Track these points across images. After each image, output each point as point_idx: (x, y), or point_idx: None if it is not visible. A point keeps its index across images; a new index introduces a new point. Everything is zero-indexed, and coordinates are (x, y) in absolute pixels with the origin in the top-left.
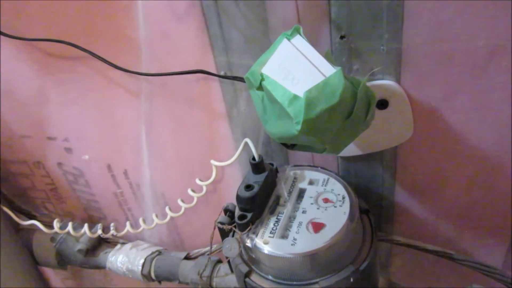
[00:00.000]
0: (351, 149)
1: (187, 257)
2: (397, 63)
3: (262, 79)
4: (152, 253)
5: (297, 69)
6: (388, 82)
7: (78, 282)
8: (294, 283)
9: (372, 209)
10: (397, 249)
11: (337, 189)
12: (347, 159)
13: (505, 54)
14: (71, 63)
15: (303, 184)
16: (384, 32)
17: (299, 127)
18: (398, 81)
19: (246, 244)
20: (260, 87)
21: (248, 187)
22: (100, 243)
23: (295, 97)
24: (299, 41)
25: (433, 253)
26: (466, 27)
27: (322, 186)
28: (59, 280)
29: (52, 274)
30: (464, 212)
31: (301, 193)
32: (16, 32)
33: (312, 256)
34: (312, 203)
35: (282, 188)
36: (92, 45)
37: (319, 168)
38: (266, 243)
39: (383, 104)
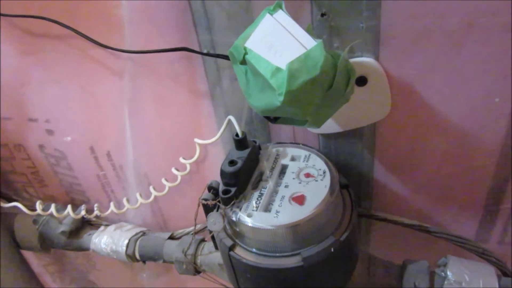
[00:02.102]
0: (331, 126)
1: (171, 237)
2: (375, 41)
3: (246, 53)
4: (136, 233)
5: (279, 42)
6: (367, 59)
7: (60, 267)
8: (277, 254)
9: (352, 185)
10: (376, 224)
11: (318, 164)
12: (327, 136)
13: (478, 31)
14: (53, 42)
15: (285, 161)
16: (363, 9)
17: (281, 98)
18: (376, 58)
19: (231, 218)
20: (244, 61)
21: (232, 163)
22: (83, 225)
23: (278, 69)
24: (282, 16)
25: (410, 227)
26: (442, 3)
27: (303, 162)
28: (41, 265)
29: (34, 260)
30: (439, 186)
31: (283, 169)
32: None
33: (294, 228)
34: (294, 178)
35: (265, 165)
36: (74, 24)
37: (301, 145)
38: (249, 216)
39: (362, 81)
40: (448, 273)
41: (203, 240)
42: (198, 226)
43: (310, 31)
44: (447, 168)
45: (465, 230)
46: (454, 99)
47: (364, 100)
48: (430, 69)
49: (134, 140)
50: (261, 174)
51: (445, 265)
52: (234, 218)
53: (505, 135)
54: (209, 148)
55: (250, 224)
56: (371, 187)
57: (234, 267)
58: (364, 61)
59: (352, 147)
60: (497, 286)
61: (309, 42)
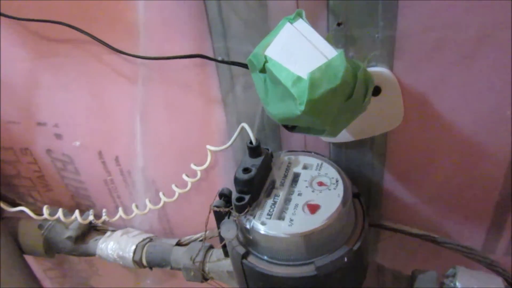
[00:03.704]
0: (343, 135)
1: (178, 244)
2: (390, 51)
3: (266, 61)
4: (143, 239)
5: (300, 51)
6: (381, 69)
7: (61, 272)
8: (290, 263)
9: (362, 194)
10: (384, 233)
11: (330, 173)
12: (338, 145)
13: (492, 43)
14: (65, 46)
15: (297, 169)
16: (379, 20)
17: (302, 107)
18: (391, 68)
19: (244, 225)
20: (263, 69)
21: (246, 170)
22: (90, 231)
23: (299, 78)
24: (302, 25)
25: (418, 237)
26: (457, 16)
27: (316, 170)
28: (42, 270)
29: (34, 265)
30: (448, 197)
31: (296, 177)
32: (7, 12)
33: (309, 236)
34: (307, 186)
35: (278, 172)
36: (88, 29)
37: (313, 153)
38: (263, 224)
39: (376, 91)
40: (457, 284)
41: (211, 247)
42: (207, 233)
43: (331, 40)
44: (457, 179)
45: (472, 241)
46: (465, 110)
47: (377, 110)
48: (443, 80)
49: (144, 145)
50: (274, 182)
51: (453, 275)
52: (247, 226)
53: None
54: (218, 155)
55: (264, 232)
56: (380, 197)
57: (246, 275)
58: (378, 71)
59: (363, 156)
60: None
61: (330, 52)
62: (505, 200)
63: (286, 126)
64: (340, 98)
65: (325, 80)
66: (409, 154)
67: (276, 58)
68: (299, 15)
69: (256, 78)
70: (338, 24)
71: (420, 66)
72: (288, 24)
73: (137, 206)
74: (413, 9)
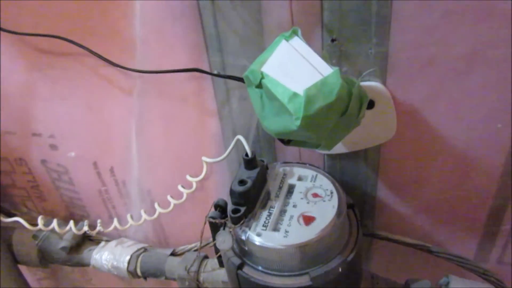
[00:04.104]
0: (337, 147)
1: (173, 254)
2: (383, 66)
3: (262, 77)
4: (138, 249)
5: (296, 68)
6: (374, 84)
7: (55, 282)
8: (285, 273)
9: (355, 204)
10: (378, 243)
11: (325, 184)
12: (333, 156)
13: (482, 61)
14: (62, 59)
15: (292, 180)
16: (372, 36)
17: (298, 122)
18: (384, 83)
19: (240, 237)
20: (259, 85)
21: (242, 182)
22: (84, 241)
23: (295, 94)
24: (297, 42)
25: (412, 246)
26: (448, 33)
27: (311, 182)
28: (35, 280)
29: (28, 274)
30: (440, 207)
31: (291, 189)
32: (5, 26)
33: (304, 247)
34: (302, 198)
35: (273, 184)
36: (84, 42)
37: (307, 164)
38: (259, 235)
39: (369, 104)
40: None
41: (206, 257)
42: (203, 242)
43: (326, 58)
44: (449, 189)
45: (465, 250)
46: (457, 124)
47: (370, 123)
48: (435, 95)
49: (139, 156)
50: (269, 193)
51: (446, 284)
52: (243, 237)
53: (506, 159)
54: (213, 167)
55: (259, 244)
56: (373, 207)
57: (241, 285)
58: (372, 85)
59: (357, 167)
60: None
61: (326, 69)
62: (498, 209)
63: (282, 140)
64: (335, 114)
65: (320, 96)
66: (402, 166)
67: (272, 75)
68: (294, 33)
69: (253, 93)
70: (332, 40)
71: (413, 81)
72: (284, 42)
73: (132, 217)
74: (406, 26)
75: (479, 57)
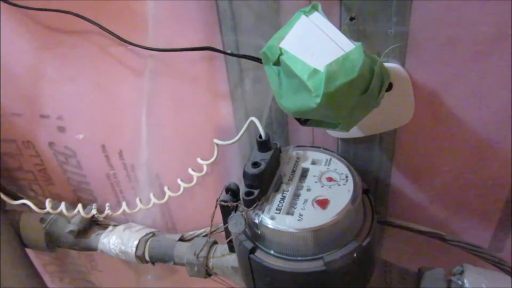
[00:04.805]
0: (352, 131)
1: (181, 239)
2: (403, 47)
3: (281, 54)
4: (146, 234)
5: (316, 44)
6: (393, 65)
7: (60, 267)
8: (299, 258)
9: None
10: (391, 230)
11: (340, 168)
12: (347, 141)
13: (505, 41)
14: (72, 38)
15: (306, 164)
16: (392, 15)
17: (318, 99)
18: (403, 64)
19: (253, 220)
20: (277, 62)
21: (255, 164)
22: (91, 225)
23: (315, 71)
24: (318, 17)
25: (425, 234)
26: (470, 12)
27: (325, 165)
28: (40, 265)
29: (33, 259)
30: (455, 195)
31: (304, 173)
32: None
33: (318, 232)
34: (316, 182)
35: (286, 167)
36: (96, 20)
37: (321, 148)
38: (273, 218)
39: (387, 86)
40: (465, 281)
41: (215, 243)
42: (213, 227)
43: (346, 33)
44: (465, 176)
45: (479, 239)
46: (476, 108)
47: (387, 106)
48: (455, 77)
49: (149, 139)
50: (282, 176)
51: (461, 273)
52: (256, 220)
53: None
54: (225, 150)
55: (273, 227)
56: (387, 193)
57: (253, 270)
58: (390, 66)
59: (371, 152)
60: None
61: (348, 45)
62: None
63: (299, 120)
64: (356, 92)
65: (342, 72)
66: (418, 151)
67: (291, 51)
68: (314, 8)
69: (269, 71)
70: (351, 19)
71: (433, 63)
72: (303, 17)
73: (140, 200)
74: (427, 5)
75: (503, 38)
